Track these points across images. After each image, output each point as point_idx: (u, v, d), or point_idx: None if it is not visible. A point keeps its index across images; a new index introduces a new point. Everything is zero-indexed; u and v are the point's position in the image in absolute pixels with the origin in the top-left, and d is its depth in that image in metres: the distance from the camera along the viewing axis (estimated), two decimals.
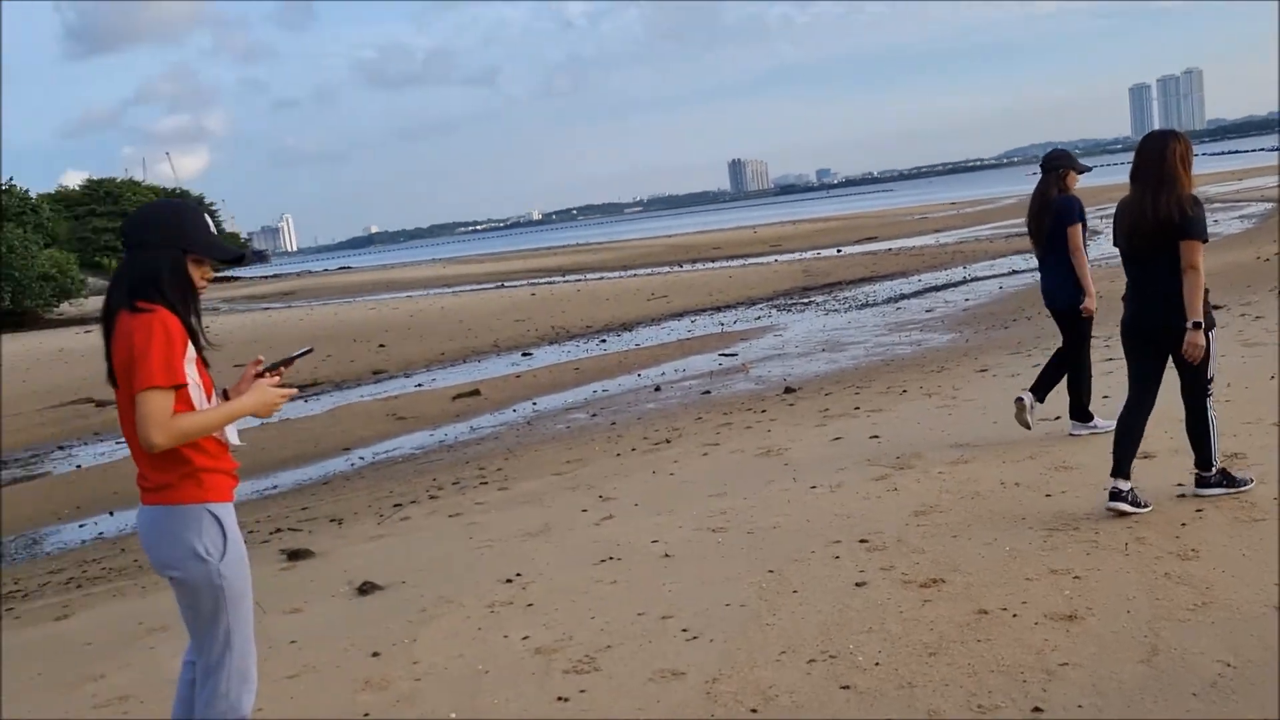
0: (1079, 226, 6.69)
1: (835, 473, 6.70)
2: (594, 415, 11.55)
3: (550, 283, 37.95)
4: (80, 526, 9.47)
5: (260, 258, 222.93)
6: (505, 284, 40.74)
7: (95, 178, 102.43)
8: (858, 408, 9.12)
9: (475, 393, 14.21)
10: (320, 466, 10.79)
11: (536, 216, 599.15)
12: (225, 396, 3.12)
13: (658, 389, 12.85)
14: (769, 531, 5.61)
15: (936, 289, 21.67)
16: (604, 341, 19.34)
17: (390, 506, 7.85)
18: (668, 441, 8.89)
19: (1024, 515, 5.27)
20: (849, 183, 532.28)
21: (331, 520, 7.73)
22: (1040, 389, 6.94)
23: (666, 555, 5.42)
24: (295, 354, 3.34)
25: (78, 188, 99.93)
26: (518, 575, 5.41)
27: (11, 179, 57.29)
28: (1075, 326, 6.85)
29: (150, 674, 4.66)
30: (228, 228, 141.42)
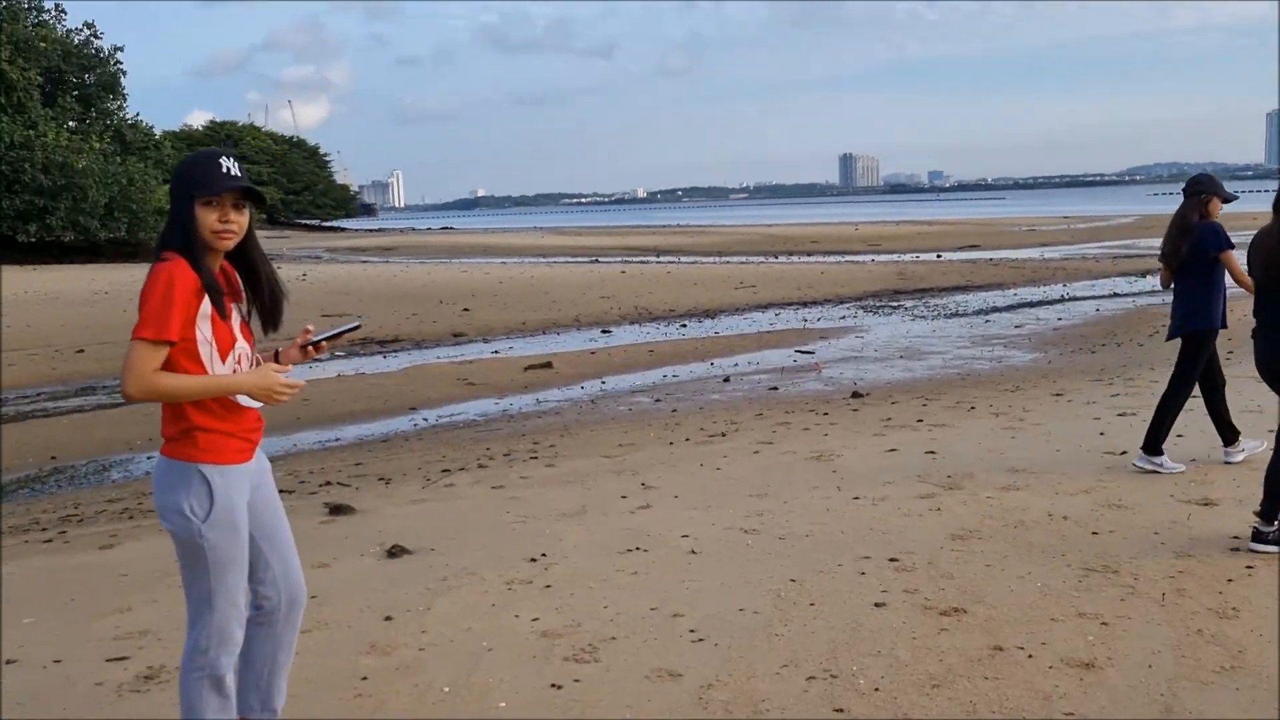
0: (1230, 252, 6.37)
1: (881, 485, 6.57)
2: (658, 400, 11.52)
3: (643, 262, 37.96)
4: (149, 458, 9.77)
5: (368, 211, 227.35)
6: (599, 259, 40.86)
7: (218, 120, 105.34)
8: (920, 420, 8.92)
9: (547, 365, 14.27)
10: (384, 424, 10.95)
11: (641, 195, 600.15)
12: (275, 357, 3.10)
13: (726, 380, 12.76)
14: (800, 539, 5.51)
15: (1030, 305, 21.11)
16: (684, 326, 19.27)
17: (439, 471, 7.93)
18: (723, 435, 8.82)
19: (1065, 551, 5.10)
20: (961, 187, 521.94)
21: (380, 479, 7.84)
22: (1223, 430, 6.68)
23: (693, 552, 5.37)
24: (343, 328, 3.24)
25: (201, 128, 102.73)
26: (543, 555, 5.41)
27: (138, 114, 59.01)
28: (1192, 356, 6.56)
29: (174, 613, 4.77)
30: (339, 179, 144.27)
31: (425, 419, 11.14)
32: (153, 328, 2.75)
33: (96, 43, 57.45)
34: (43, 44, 53.16)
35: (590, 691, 3.75)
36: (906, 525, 5.67)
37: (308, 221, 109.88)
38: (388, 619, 4.54)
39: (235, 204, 2.90)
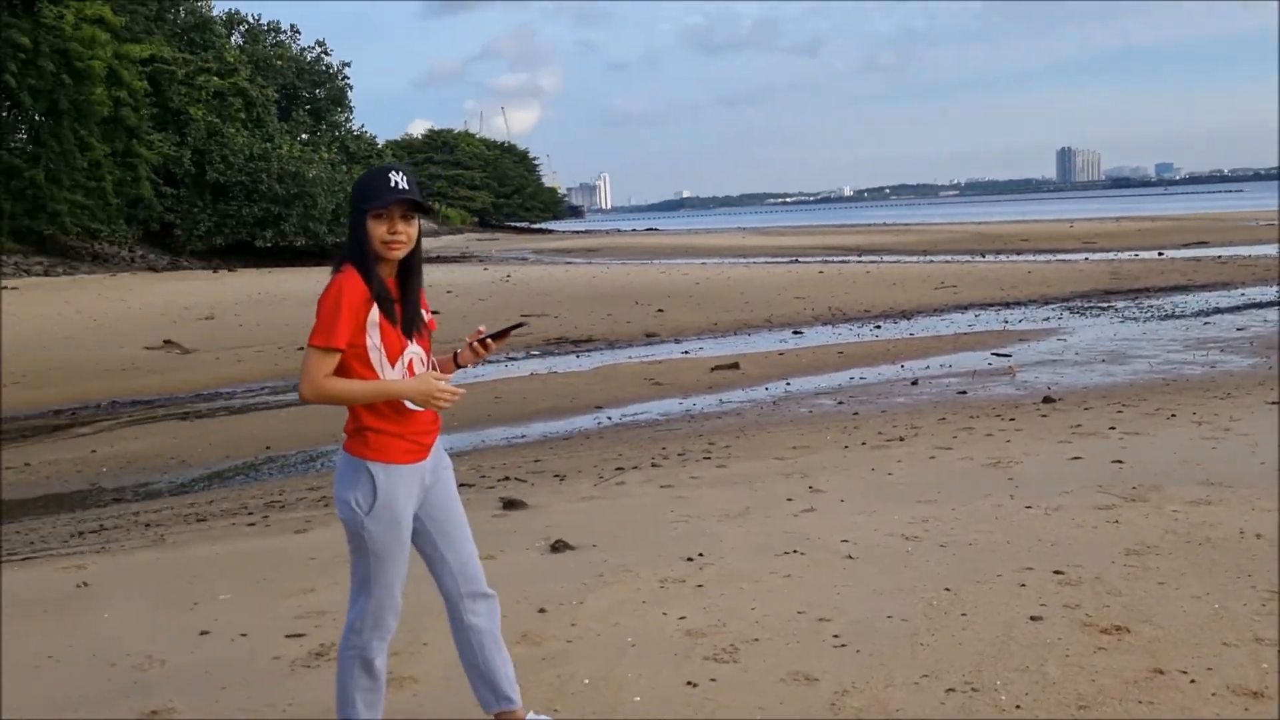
0: None
1: (1058, 495, 6.30)
2: (840, 403, 11.38)
3: (843, 262, 37.46)
4: None
5: (575, 213, 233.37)
6: (799, 259, 40.59)
7: (436, 128, 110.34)
8: (1113, 427, 8.48)
9: (734, 366, 14.32)
10: (569, 422, 11.26)
11: (847, 193, 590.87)
12: (454, 359, 3.29)
13: (914, 383, 12.46)
14: (963, 547, 5.37)
15: (1259, 306, 19.62)
16: (878, 328, 18.92)
17: (613, 470, 8.11)
18: (901, 439, 8.64)
19: (1251, 572, 4.77)
20: (1192, 179, 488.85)
21: (556, 475, 8.09)
22: None
23: (849, 557, 5.31)
24: (509, 326, 3.37)
25: (420, 136, 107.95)
26: (700, 555, 5.48)
27: (363, 125, 62.53)
28: None
29: None
30: (548, 182, 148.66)
31: (609, 418, 11.38)
32: (322, 336, 2.94)
33: (326, 59, 61.38)
34: (279, 62, 57.20)
35: (724, 691, 3.79)
36: (1078, 537, 5.43)
37: (517, 224, 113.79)
38: (541, 611, 4.71)
39: (404, 215, 3.04)
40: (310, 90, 60.33)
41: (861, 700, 3.66)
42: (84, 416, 12.85)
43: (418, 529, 3.21)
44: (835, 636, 4.24)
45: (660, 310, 21.78)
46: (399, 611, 3.22)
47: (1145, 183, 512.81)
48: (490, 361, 16.47)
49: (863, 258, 40.66)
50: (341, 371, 3.01)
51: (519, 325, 3.52)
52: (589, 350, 17.48)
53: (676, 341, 18.10)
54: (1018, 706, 3.56)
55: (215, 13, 55.50)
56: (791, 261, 39.08)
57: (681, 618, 4.54)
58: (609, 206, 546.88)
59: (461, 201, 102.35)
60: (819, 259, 39.90)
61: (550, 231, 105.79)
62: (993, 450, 7.80)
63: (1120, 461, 7.12)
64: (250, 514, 7.45)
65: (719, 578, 5.08)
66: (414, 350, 3.13)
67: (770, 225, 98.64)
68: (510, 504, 6.88)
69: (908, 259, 38.78)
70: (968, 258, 37.82)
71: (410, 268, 3.14)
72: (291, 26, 62.70)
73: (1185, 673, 3.76)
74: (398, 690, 3.93)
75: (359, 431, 3.08)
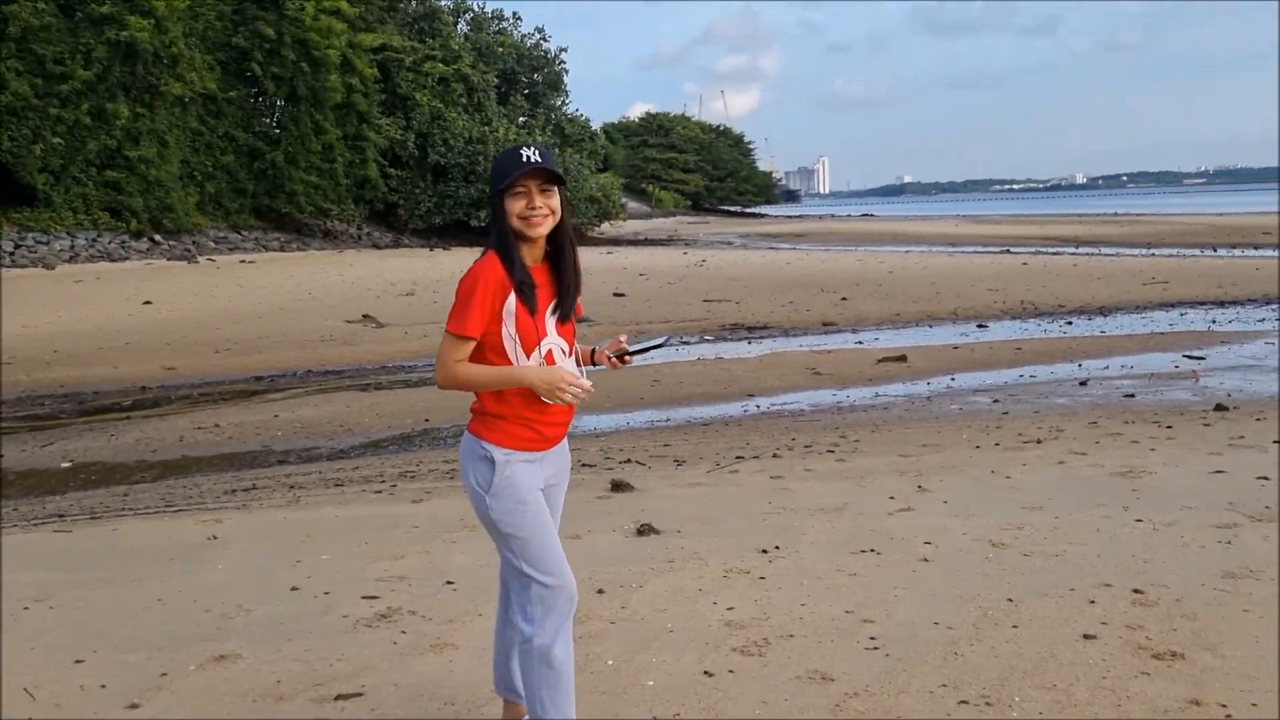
0: None
1: (1178, 510, 5.94)
2: (995, 401, 10.97)
3: (1055, 254, 35.79)
4: None
5: (792, 198, 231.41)
6: (1011, 250, 38.98)
7: (653, 111, 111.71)
8: (1278, 441, 7.87)
9: (902, 358, 14.01)
10: (716, 408, 11.33)
11: (1080, 180, 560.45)
12: (592, 355, 3.20)
13: (1083, 384, 11.86)
14: (1048, 558, 5.17)
15: None
16: (1069, 323, 18.03)
17: (733, 458, 8.16)
18: (1038, 442, 8.30)
19: None
20: None
21: (675, 461, 8.22)
22: None
23: (925, 560, 5.21)
24: (651, 344, 3.29)
25: (637, 119, 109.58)
26: (775, 548, 5.49)
27: (578, 109, 64.09)
28: None
29: (435, 564, 5.41)
30: (765, 166, 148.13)
31: (757, 406, 11.39)
32: (456, 322, 2.95)
33: (545, 45, 63.21)
34: (500, 49, 59.31)
35: (736, 683, 3.84)
36: (1178, 555, 5.13)
37: (730, 208, 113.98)
38: (600, 591, 4.86)
39: (541, 189, 2.96)
40: (529, 75, 62.25)
41: (867, 704, 3.64)
42: (280, 384, 13.88)
43: None
44: (872, 639, 4.21)
45: (844, 299, 21.48)
46: (573, 596, 3.10)
47: None
48: (667, 345, 16.73)
49: (1079, 249, 38.70)
50: (477, 358, 3.00)
51: (660, 345, 3.38)
52: (762, 337, 17.46)
53: (854, 331, 17.84)
54: None
55: (444, 2, 58.10)
56: (1003, 251, 37.60)
57: (730, 608, 4.60)
58: (827, 191, 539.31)
59: (675, 184, 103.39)
60: (1030, 250, 38.22)
61: (762, 216, 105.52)
62: (1130, 459, 7.40)
63: (1266, 478, 6.62)
64: (384, 481, 7.94)
65: (784, 571, 5.10)
66: (554, 340, 3.08)
67: (990, 213, 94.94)
68: (618, 486, 7.06)
69: (1127, 251, 36.65)
70: (1197, 252, 35.35)
71: (560, 247, 3.08)
72: (514, 14, 65.01)
73: (1224, 706, 3.55)
74: (436, 655, 4.18)
75: (480, 414, 3.09)
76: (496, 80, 56.08)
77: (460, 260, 32.87)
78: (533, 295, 3.00)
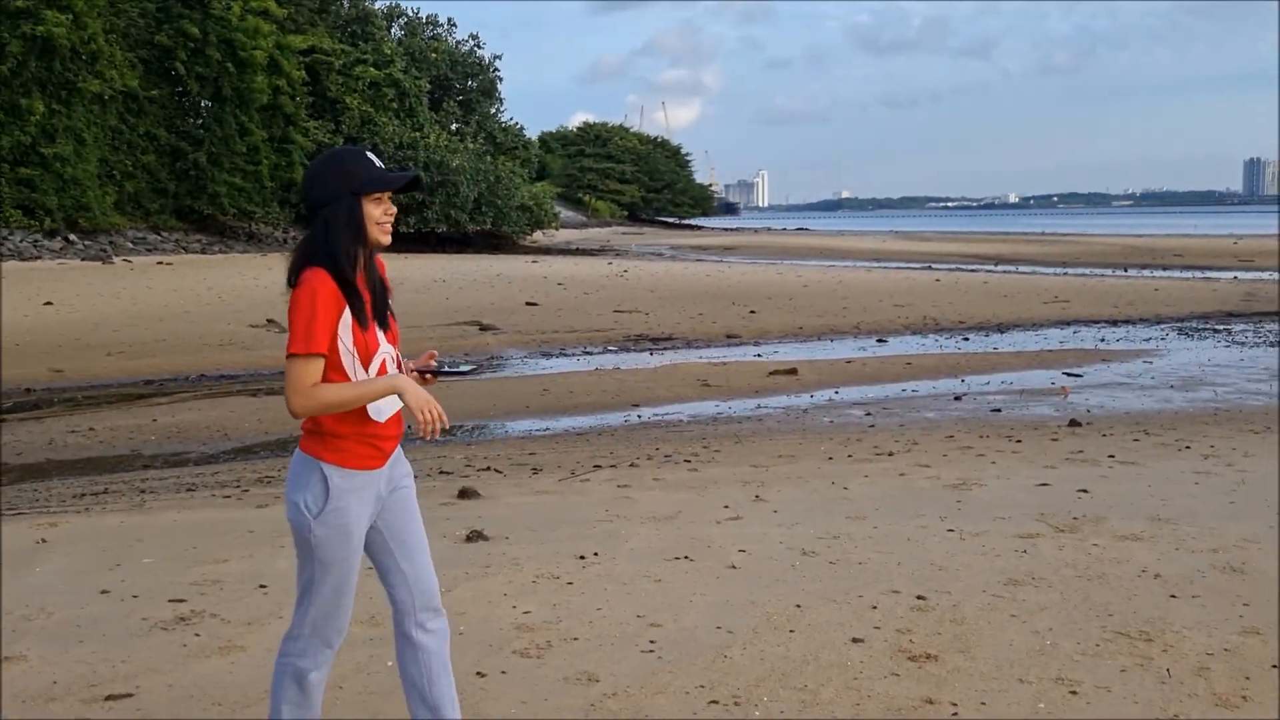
0: None
1: (992, 520, 6.18)
2: (868, 414, 11.25)
3: (973, 270, 36.56)
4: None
5: (730, 210, 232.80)
6: (932, 266, 39.70)
7: (592, 121, 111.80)
8: (1112, 455, 8.20)
9: (792, 371, 14.27)
10: (599, 417, 11.46)
11: (1013, 200, 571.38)
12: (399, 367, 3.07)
13: (958, 398, 12.19)
14: (851, 566, 5.36)
15: None
16: (966, 339, 18.48)
17: (590, 466, 8.29)
18: (890, 454, 8.55)
19: (1116, 612, 4.63)
20: None
21: (533, 469, 8.33)
22: None
23: (732, 567, 5.38)
24: (457, 369, 3.23)
25: (574, 129, 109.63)
26: (594, 554, 5.62)
27: (512, 118, 64.02)
28: None
29: (255, 568, 5.46)
30: (704, 178, 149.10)
31: (639, 416, 11.54)
32: (301, 342, 2.78)
33: (479, 52, 63.10)
34: (434, 55, 59.11)
35: (503, 685, 3.95)
36: (973, 563, 5.35)
37: (666, 219, 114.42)
38: None
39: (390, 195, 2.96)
40: (462, 81, 62.14)
41: (623, 704, 3.77)
42: (169, 388, 13.76)
43: (374, 538, 3.06)
44: (652, 642, 4.34)
45: (753, 311, 21.77)
46: (343, 630, 3.07)
47: None
48: (568, 355, 16.84)
49: (996, 267, 39.51)
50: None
51: (463, 373, 3.30)
52: (665, 348, 17.65)
53: (755, 344, 18.08)
54: None
55: (378, 4, 57.81)
56: (924, 268, 38.28)
57: (526, 612, 4.71)
58: (766, 204, 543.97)
59: (612, 195, 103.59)
60: (950, 267, 38.95)
61: (698, 228, 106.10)
62: (968, 472, 7.66)
63: (1086, 491, 6.91)
64: (239, 486, 7.95)
65: (593, 578, 5.22)
66: (386, 350, 2.98)
67: (921, 230, 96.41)
68: (465, 493, 7.15)
69: (1043, 270, 37.49)
70: (1108, 272, 36.31)
71: (370, 256, 2.98)
72: (449, 20, 64.80)
73: (955, 705, 3.73)
74: (221, 658, 4.23)
75: (315, 431, 2.93)
76: (429, 86, 55.90)
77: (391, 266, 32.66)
78: (364, 306, 2.92)
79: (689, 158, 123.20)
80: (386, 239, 2.93)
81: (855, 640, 4.33)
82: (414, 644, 3.13)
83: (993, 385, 13.28)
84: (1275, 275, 32.59)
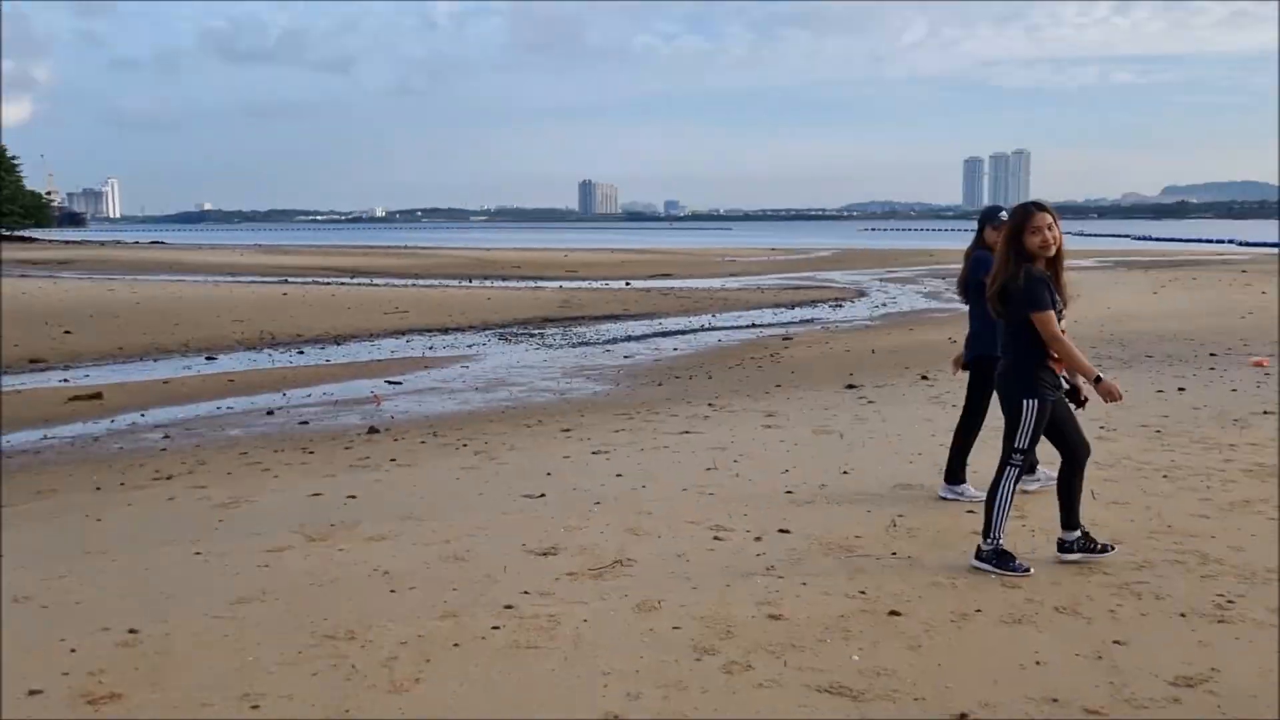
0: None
1: (245, 537, 6.04)
2: (166, 436, 10.63)
3: (325, 283, 36.62)
4: None
5: (75, 221, 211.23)
6: (289, 279, 39.11)
7: None
8: (394, 459, 8.53)
9: (97, 396, 13.05)
10: None
11: (380, 214, 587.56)
12: None
13: (270, 413, 12.00)
14: (67, 607, 4.88)
15: (665, 335, 21.45)
16: (301, 353, 18.35)
17: None
18: (169, 478, 8.10)
19: (352, 611, 4.69)
20: (695, 217, 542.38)
21: None
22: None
23: None
24: None
25: None
26: None
27: None
28: (982, 382, 6.42)
29: None
30: (42, 186, 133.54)
31: None
32: None
33: None
34: None
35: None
36: (206, 586, 5.15)
37: None
38: None
39: None
40: None
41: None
42: None
43: None
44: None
45: (68, 332, 19.69)
46: None
47: (655, 217, 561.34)
48: None
49: (352, 280, 40.06)
50: None
51: None
52: None
53: (65, 368, 16.33)
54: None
55: None
56: (281, 281, 37.61)
57: None
58: (119, 215, 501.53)
59: None
60: (306, 280, 38.73)
61: (32, 240, 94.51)
62: (244, 489, 7.48)
63: (354, 496, 7.06)
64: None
65: None
66: None
67: (285, 243, 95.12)
68: None
69: (395, 282, 38.75)
70: (456, 282, 38.48)
71: None
72: None
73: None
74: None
75: None
76: None
77: None
78: None
79: (17, 161, 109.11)
80: None
81: (33, 693, 3.91)
82: None
83: (314, 398, 13.28)
84: (597, 284, 36.90)
